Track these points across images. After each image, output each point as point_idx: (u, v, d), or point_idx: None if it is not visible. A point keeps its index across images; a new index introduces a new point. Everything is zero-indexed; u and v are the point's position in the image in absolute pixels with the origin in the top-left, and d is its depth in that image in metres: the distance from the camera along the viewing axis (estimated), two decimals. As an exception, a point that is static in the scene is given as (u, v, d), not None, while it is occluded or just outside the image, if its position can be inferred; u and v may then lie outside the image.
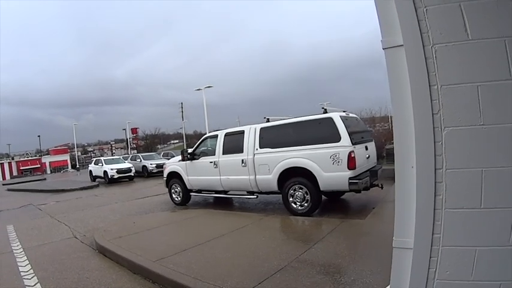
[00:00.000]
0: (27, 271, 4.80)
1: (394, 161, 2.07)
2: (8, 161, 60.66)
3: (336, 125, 6.34)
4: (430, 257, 1.95)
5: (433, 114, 1.89)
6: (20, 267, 5.00)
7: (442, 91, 1.86)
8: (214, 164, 8.28)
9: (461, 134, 1.85)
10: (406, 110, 1.93)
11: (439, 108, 1.88)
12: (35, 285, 4.25)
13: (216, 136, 8.60)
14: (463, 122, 1.85)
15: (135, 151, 53.29)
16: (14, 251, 6.01)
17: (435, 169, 1.89)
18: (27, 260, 5.35)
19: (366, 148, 7.03)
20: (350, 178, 6.15)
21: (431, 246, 1.94)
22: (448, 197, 1.88)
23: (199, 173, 8.79)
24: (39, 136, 66.11)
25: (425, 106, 1.89)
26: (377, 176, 7.24)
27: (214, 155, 8.38)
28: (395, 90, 1.97)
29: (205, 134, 11.47)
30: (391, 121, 25.82)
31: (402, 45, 1.94)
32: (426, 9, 1.89)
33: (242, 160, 7.61)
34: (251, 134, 7.62)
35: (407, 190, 1.97)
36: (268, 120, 7.73)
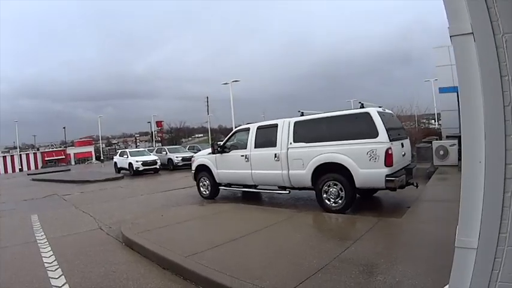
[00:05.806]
0: (51, 262, 4.68)
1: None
2: (33, 151, 62.62)
3: (373, 121, 6.16)
4: (495, 258, 1.85)
5: (504, 106, 1.78)
6: (43, 258, 4.88)
7: (515, 82, 1.74)
8: (246, 157, 8.19)
9: (536, 127, 1.73)
10: (475, 102, 1.83)
11: (510, 99, 1.76)
12: (59, 277, 4.09)
13: (248, 129, 8.47)
14: (538, 114, 1.73)
15: (160, 144, 54.11)
16: (38, 241, 5.91)
17: (505, 164, 1.78)
18: (51, 251, 5.23)
19: (402, 145, 6.83)
20: (387, 175, 5.98)
21: (497, 246, 1.84)
22: (518, 195, 1.77)
23: (229, 167, 8.71)
24: (64, 128, 68.43)
25: (496, 98, 1.78)
26: (412, 174, 7.03)
27: (246, 148, 8.26)
28: (464, 80, 1.86)
29: (231, 128, 11.40)
30: (417, 121, 24.85)
31: (471, 33, 1.83)
32: (496, -4, 1.77)
33: (275, 154, 7.49)
34: (285, 127, 7.48)
35: (474, 186, 1.86)
36: (302, 114, 7.56)
